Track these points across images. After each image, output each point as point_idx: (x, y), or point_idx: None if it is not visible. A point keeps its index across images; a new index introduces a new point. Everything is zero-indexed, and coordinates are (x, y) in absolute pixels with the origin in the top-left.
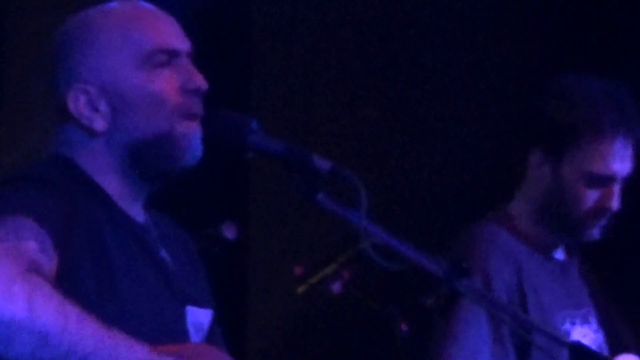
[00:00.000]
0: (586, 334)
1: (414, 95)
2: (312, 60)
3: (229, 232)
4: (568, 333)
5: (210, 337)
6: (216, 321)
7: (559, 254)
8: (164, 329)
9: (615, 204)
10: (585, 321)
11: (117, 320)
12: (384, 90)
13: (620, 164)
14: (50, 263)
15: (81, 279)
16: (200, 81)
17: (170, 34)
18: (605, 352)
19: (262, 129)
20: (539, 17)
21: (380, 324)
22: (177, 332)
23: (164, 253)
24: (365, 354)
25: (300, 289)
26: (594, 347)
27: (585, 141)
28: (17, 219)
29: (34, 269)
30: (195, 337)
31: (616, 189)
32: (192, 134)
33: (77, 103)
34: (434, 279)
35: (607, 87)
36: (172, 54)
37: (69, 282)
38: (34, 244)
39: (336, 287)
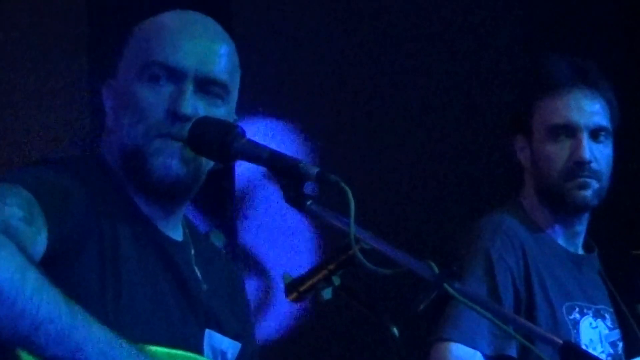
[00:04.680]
0: (597, 327)
1: (409, 91)
2: (297, 60)
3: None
4: (577, 322)
5: None
6: (248, 358)
7: (578, 249)
8: (174, 340)
9: (584, 153)
10: (599, 316)
11: (116, 315)
12: (377, 88)
13: (578, 114)
14: (33, 235)
15: (82, 262)
16: (180, 107)
17: (183, 52)
18: (620, 351)
19: (247, 136)
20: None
21: (371, 328)
22: (189, 348)
23: (195, 268)
24: (356, 358)
25: (291, 297)
26: (606, 342)
27: (545, 99)
28: (12, 187)
29: (3, 229)
30: None
31: (584, 139)
32: (165, 153)
33: (104, 96)
34: (425, 282)
35: (563, 56)
36: (171, 72)
37: (67, 261)
38: (18, 211)
39: (326, 293)
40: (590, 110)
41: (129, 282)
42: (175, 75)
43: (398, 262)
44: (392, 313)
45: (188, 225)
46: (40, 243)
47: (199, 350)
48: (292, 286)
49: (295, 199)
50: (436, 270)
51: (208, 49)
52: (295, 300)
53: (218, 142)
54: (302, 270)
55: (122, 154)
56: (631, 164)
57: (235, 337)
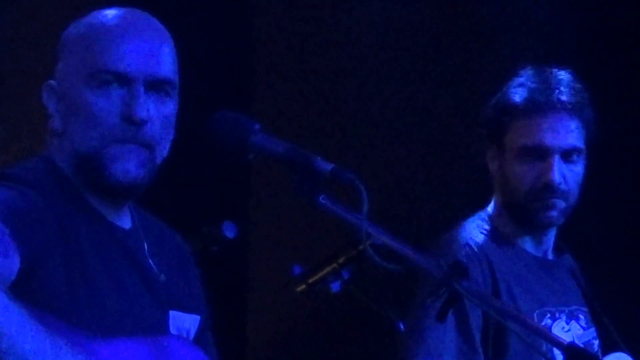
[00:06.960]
0: (571, 329)
1: (416, 96)
2: (313, 61)
3: (230, 231)
4: (548, 328)
5: (198, 342)
6: (206, 327)
7: (548, 254)
8: (142, 329)
9: (554, 176)
10: (572, 317)
11: (89, 314)
12: (385, 93)
13: (551, 136)
14: (9, 265)
15: (50, 271)
16: (134, 113)
17: (129, 56)
18: (596, 348)
19: (265, 130)
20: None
21: (378, 323)
22: (158, 332)
23: (149, 259)
24: (363, 352)
25: (300, 288)
26: (580, 342)
27: (518, 119)
28: None
29: None
30: None
31: (555, 162)
32: (123, 158)
33: (46, 97)
34: (435, 279)
35: (547, 70)
36: (121, 78)
37: (36, 274)
38: None
39: (335, 286)
40: (564, 131)
41: (94, 277)
42: (125, 80)
43: (408, 258)
44: (400, 308)
45: (135, 210)
46: (14, 268)
47: (166, 332)
48: (301, 278)
49: (307, 193)
50: (445, 267)
51: (153, 50)
52: (303, 292)
53: (235, 136)
54: (313, 263)
55: (77, 159)
56: None
57: (194, 311)
